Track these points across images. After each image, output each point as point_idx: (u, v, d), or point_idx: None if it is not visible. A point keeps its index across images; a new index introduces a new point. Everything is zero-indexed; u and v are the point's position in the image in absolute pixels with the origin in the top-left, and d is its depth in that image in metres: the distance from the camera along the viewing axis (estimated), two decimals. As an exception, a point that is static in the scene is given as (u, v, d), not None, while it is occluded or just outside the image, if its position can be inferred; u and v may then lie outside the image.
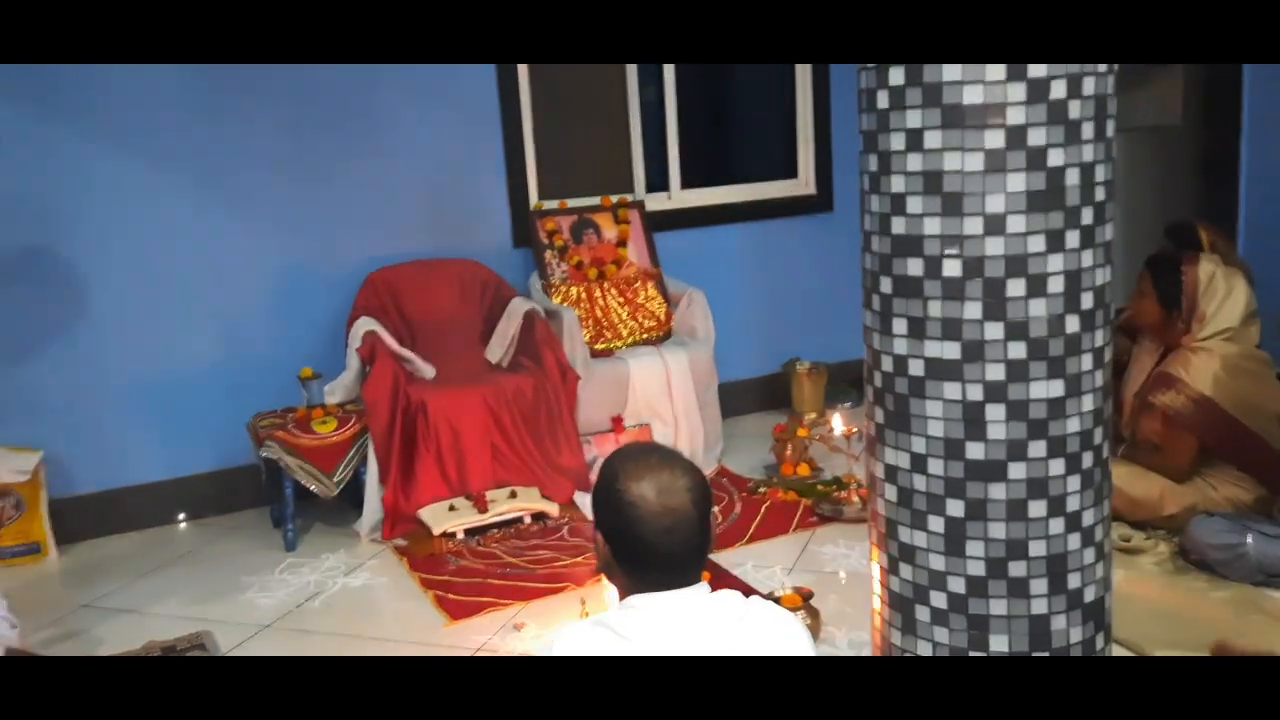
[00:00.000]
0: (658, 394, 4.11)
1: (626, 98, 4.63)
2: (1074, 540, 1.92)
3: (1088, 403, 1.89)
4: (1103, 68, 1.81)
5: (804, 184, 4.99)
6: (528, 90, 4.38)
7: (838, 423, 3.89)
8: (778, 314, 4.90)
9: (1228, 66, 4.98)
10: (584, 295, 4.27)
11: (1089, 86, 1.79)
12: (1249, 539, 2.97)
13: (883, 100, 1.86)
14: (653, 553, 1.49)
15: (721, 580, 3.17)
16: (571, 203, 4.46)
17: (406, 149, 4.16)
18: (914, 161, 1.83)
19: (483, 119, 4.29)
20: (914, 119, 1.82)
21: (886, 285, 1.92)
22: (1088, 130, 1.81)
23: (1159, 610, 2.86)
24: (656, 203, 4.68)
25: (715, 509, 3.76)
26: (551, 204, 4.44)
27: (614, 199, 4.50)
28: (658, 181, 4.76)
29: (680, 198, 4.78)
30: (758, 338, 4.86)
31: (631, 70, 4.59)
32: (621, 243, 4.42)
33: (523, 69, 4.35)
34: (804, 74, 4.89)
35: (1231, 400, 3.21)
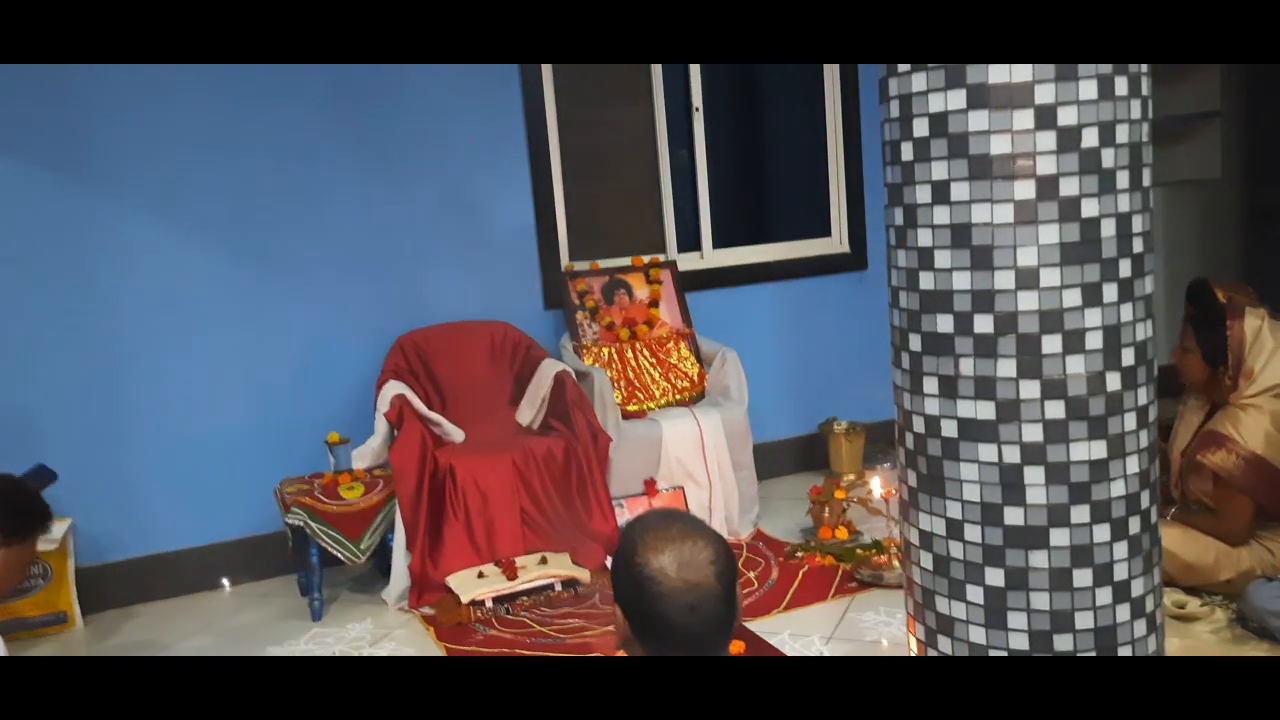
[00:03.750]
0: (691, 456, 4.03)
1: (657, 158, 4.62)
2: (1123, 611, 1.82)
3: (1132, 465, 1.80)
4: (1136, 114, 1.75)
5: (838, 242, 4.93)
6: (558, 151, 4.39)
7: (876, 484, 3.78)
8: (813, 373, 4.82)
9: (1267, 119, 4.89)
10: (616, 356, 4.23)
11: (1122, 134, 1.73)
12: (1312, 605, 2.82)
13: (907, 152, 1.81)
14: (675, 632, 1.42)
15: (757, 650, 3.07)
16: (603, 263, 4.43)
17: (436, 211, 4.17)
18: (941, 214, 1.77)
19: (513, 181, 4.29)
20: (940, 170, 1.76)
21: (916, 343, 1.85)
22: (1123, 179, 1.74)
23: (1219, 682, 2.71)
24: (689, 263, 4.64)
25: (752, 574, 3.66)
26: (583, 265, 4.42)
27: (646, 259, 4.47)
28: (690, 241, 4.73)
29: (713, 257, 4.75)
30: (793, 398, 4.78)
31: (661, 130, 4.59)
32: (654, 303, 4.38)
33: (553, 130, 4.36)
34: (835, 131, 4.86)
35: (1286, 459, 3.08)
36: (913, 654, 1.99)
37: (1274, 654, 2.84)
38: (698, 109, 4.65)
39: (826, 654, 2.97)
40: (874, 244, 4.88)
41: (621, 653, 1.56)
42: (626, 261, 4.46)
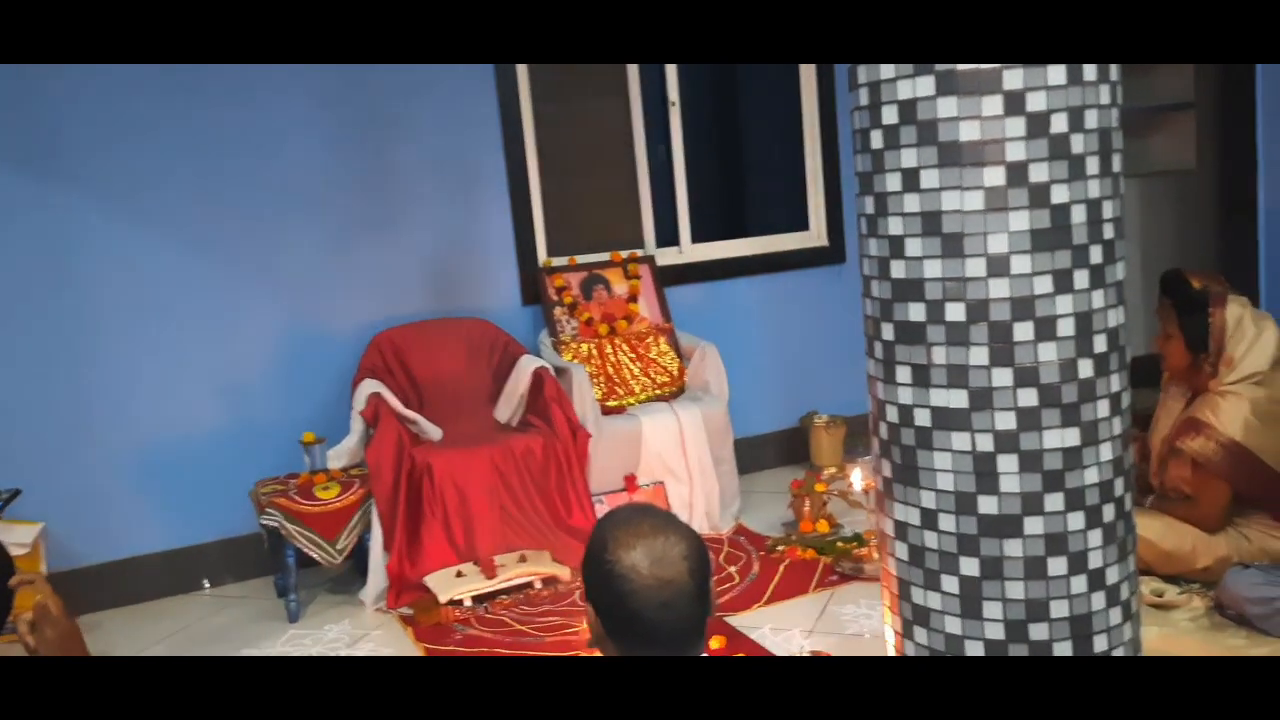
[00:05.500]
0: (671, 451, 4.02)
1: (634, 152, 4.60)
2: (1098, 600, 1.81)
3: (1106, 452, 1.79)
4: (1105, 100, 1.74)
5: (816, 236, 4.93)
6: (534, 146, 4.36)
7: (857, 477, 3.78)
8: (793, 367, 4.81)
9: (1240, 109, 4.90)
10: (595, 352, 4.21)
11: (1091, 120, 1.71)
12: (1289, 591, 2.82)
13: (877, 140, 1.79)
14: (648, 629, 1.40)
15: (737, 645, 3.05)
16: (581, 259, 4.41)
17: (412, 208, 4.14)
18: (911, 202, 1.76)
19: (489, 176, 4.26)
20: (910, 158, 1.75)
21: (888, 332, 1.84)
22: (1092, 165, 1.73)
23: (1197, 670, 2.71)
24: (667, 257, 4.63)
25: (733, 569, 3.65)
26: (560, 260, 4.39)
27: (624, 254, 4.45)
28: (668, 236, 4.71)
29: (691, 252, 4.73)
30: (773, 392, 4.77)
31: (638, 124, 4.57)
32: (632, 298, 4.36)
33: (529, 125, 4.33)
34: (811, 124, 4.85)
35: (1263, 446, 3.08)
36: (890, 645, 1.98)
37: (1252, 641, 2.84)
38: (674, 103, 4.64)
39: (808, 647, 2.96)
40: (851, 237, 4.87)
41: (595, 651, 1.54)
42: (605, 257, 4.44)
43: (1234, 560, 3.07)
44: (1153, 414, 3.43)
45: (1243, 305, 3.21)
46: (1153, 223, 5.33)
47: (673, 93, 4.63)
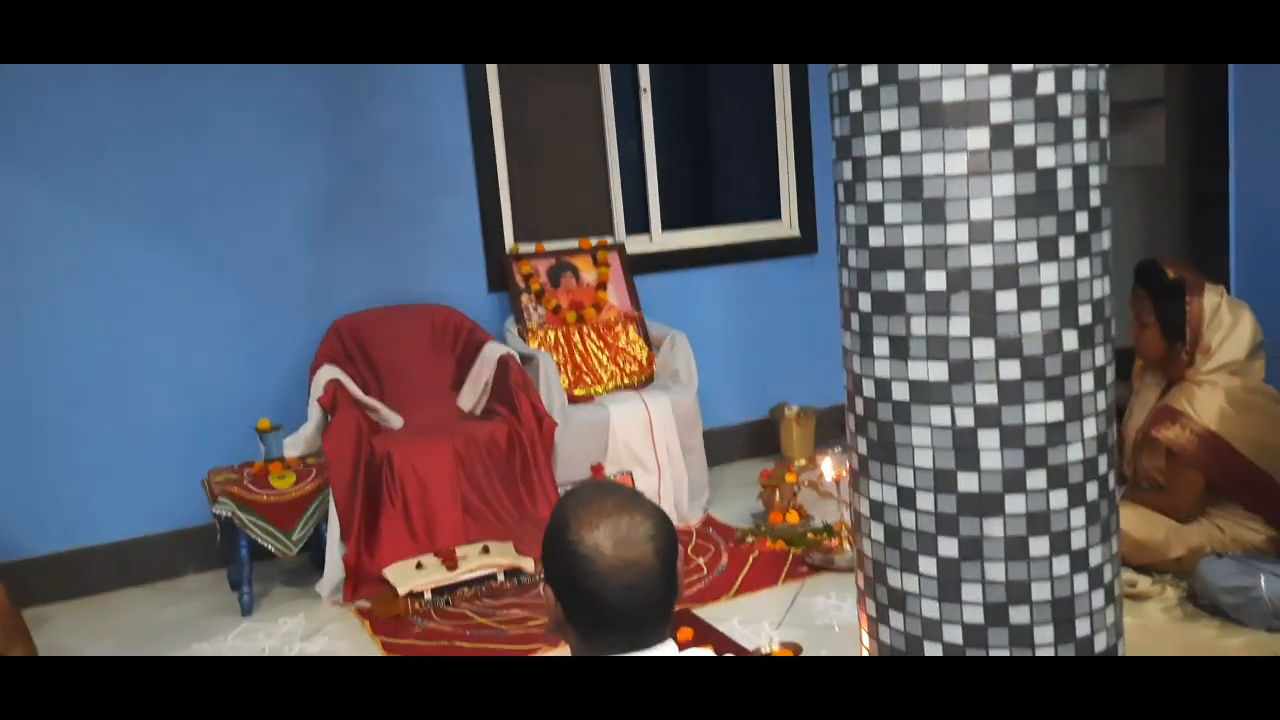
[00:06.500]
0: (640, 440, 3.94)
1: (604, 138, 4.51)
2: (1081, 581, 1.74)
3: (1090, 428, 1.73)
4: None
5: (788, 226, 4.86)
6: (502, 130, 4.26)
7: (828, 467, 3.71)
8: (764, 358, 4.75)
9: (1208, 106, 4.90)
10: (562, 339, 4.12)
11: (1079, 81, 1.65)
12: (1262, 581, 2.80)
13: (855, 102, 1.72)
14: (610, 613, 1.32)
15: (706, 637, 2.98)
16: (549, 245, 4.32)
17: (375, 192, 4.03)
18: (891, 166, 1.69)
19: (455, 160, 4.16)
20: (890, 120, 1.68)
21: (865, 302, 1.77)
22: (1080, 129, 1.66)
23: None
24: (637, 245, 4.55)
25: (701, 560, 3.58)
26: (528, 247, 4.30)
27: (593, 241, 4.36)
28: (638, 223, 4.63)
29: (661, 240, 4.65)
30: (744, 382, 4.70)
31: (609, 110, 4.48)
32: (601, 286, 4.28)
33: (496, 109, 4.23)
34: (784, 115, 4.79)
35: (1238, 436, 3.06)
36: (863, 630, 1.91)
37: (1224, 631, 2.82)
38: (645, 90, 4.56)
39: (777, 639, 2.89)
40: (824, 227, 4.82)
41: (555, 635, 1.46)
42: (573, 244, 4.36)
43: (1207, 550, 3.05)
44: (1127, 404, 3.41)
45: (1219, 294, 3.20)
46: (1123, 216, 5.31)
47: (644, 79, 4.55)
